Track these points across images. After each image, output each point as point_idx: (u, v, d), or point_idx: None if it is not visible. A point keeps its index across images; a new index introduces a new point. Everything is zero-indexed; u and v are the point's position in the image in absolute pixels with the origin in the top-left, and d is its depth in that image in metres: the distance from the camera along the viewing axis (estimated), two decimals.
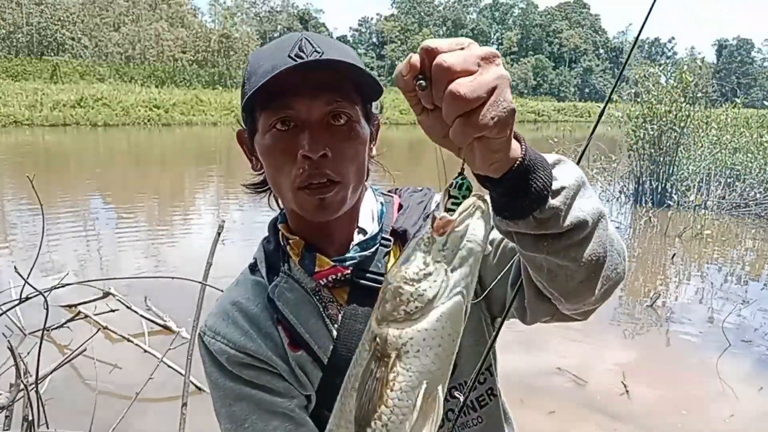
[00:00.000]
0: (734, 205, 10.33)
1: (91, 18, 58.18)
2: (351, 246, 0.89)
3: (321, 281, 0.87)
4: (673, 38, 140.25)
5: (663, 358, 4.63)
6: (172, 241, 8.13)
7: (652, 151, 10.63)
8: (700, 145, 11.07)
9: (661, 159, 10.60)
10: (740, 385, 3.99)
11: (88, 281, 4.77)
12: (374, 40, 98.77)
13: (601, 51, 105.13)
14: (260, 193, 0.96)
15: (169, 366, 3.47)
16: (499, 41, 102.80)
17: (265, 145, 0.83)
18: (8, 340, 2.54)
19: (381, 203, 0.96)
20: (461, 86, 0.49)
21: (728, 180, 10.78)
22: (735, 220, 9.87)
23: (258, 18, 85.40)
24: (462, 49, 0.51)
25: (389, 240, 0.91)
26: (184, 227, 9.21)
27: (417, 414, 0.55)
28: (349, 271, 0.87)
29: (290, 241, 0.90)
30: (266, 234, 0.97)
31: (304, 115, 0.81)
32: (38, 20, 56.00)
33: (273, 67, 0.78)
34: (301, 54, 0.79)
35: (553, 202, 0.59)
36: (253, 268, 0.94)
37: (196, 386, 3.51)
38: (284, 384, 0.87)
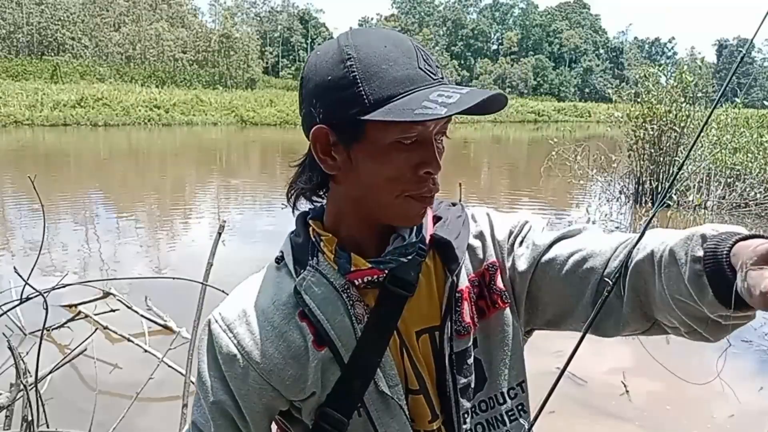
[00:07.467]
0: (734, 205, 10.31)
1: (91, 18, 58.15)
2: (387, 250, 0.87)
3: (355, 281, 0.86)
4: (673, 38, 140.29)
5: (663, 357, 4.62)
6: (173, 241, 8.13)
7: (652, 151, 10.63)
8: (700, 145, 11.06)
9: (661, 159, 10.60)
10: (740, 385, 3.99)
11: (89, 281, 4.78)
12: None
13: (601, 51, 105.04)
14: (315, 197, 0.92)
15: (169, 366, 3.46)
16: (499, 41, 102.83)
17: (382, 157, 0.80)
18: (8, 340, 2.54)
19: None
20: None
21: (728, 180, 10.74)
22: (735, 221, 9.82)
23: (258, 18, 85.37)
24: None
25: (425, 250, 0.90)
26: (184, 227, 9.21)
27: None
28: (384, 275, 0.86)
29: (323, 238, 0.89)
30: (293, 229, 0.95)
31: (428, 133, 0.81)
32: (38, 20, 56.00)
33: (408, 77, 0.76)
34: (429, 68, 0.78)
35: None
36: (279, 260, 0.93)
37: None
38: (265, 402, 0.86)
